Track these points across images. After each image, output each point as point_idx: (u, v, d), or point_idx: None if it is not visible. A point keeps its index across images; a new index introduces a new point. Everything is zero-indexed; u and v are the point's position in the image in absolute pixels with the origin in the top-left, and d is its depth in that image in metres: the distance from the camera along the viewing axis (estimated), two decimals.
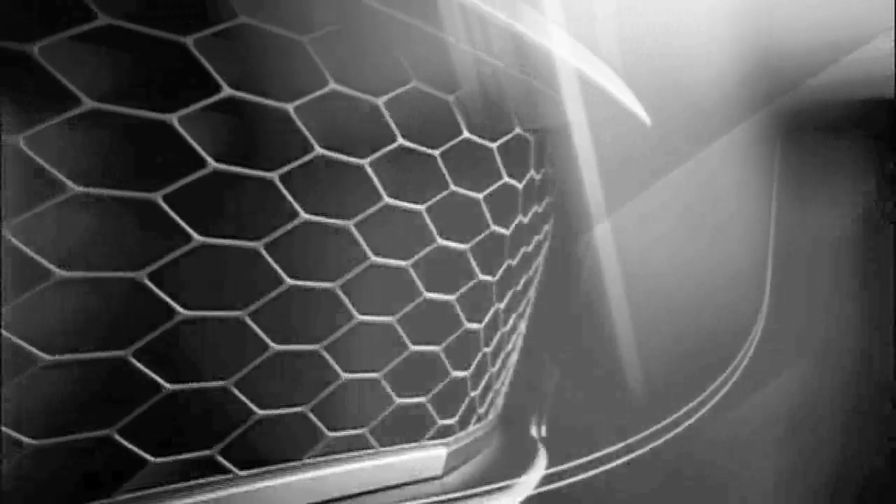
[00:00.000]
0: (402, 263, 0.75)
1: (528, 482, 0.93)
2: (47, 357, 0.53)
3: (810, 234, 1.30)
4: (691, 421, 1.19)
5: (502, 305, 0.92)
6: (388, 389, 0.77)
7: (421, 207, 0.76)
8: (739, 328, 1.27)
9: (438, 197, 0.77)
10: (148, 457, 0.59)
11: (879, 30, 1.20)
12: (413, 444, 0.82)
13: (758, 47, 1.19)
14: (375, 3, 0.66)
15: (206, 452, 0.63)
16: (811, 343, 1.30)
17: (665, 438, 1.16)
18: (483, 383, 0.92)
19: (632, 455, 1.12)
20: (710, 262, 1.22)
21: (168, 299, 0.58)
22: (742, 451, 1.24)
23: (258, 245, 0.63)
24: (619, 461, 1.10)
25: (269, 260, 0.63)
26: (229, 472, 0.65)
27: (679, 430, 1.17)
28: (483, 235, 0.84)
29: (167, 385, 0.59)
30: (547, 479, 0.97)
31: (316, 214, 0.66)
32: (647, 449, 1.14)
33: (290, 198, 0.64)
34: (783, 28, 1.21)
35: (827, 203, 1.31)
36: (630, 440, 1.13)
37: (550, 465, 1.01)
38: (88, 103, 0.53)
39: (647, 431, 1.15)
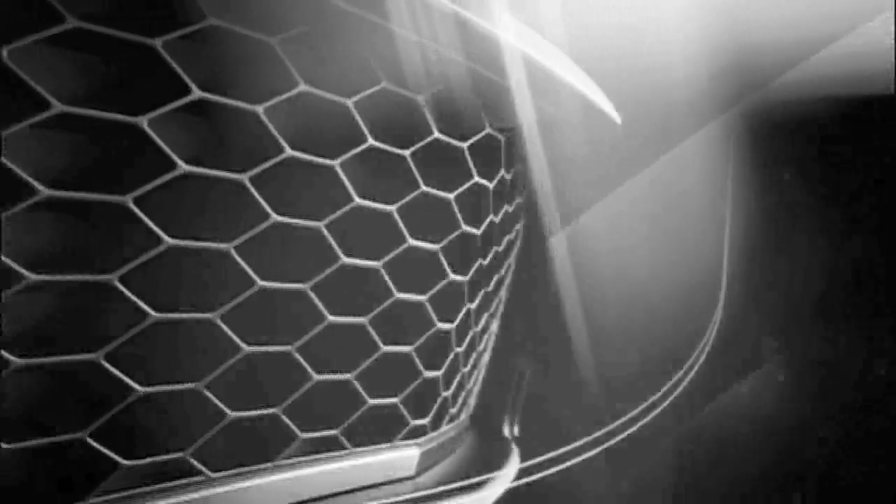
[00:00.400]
0: (374, 264, 0.75)
1: (501, 481, 0.94)
2: (18, 360, 0.53)
3: (765, 231, 1.33)
4: (655, 413, 1.20)
5: (474, 305, 0.92)
6: (361, 390, 0.77)
7: (391, 208, 0.76)
8: (698, 325, 1.29)
9: (409, 197, 0.78)
10: (120, 459, 0.59)
11: (845, 30, 1.22)
12: (386, 445, 0.82)
13: (724, 47, 1.21)
14: (344, 3, 0.66)
15: (179, 455, 0.63)
16: (765, 340, 1.32)
17: (621, 437, 1.17)
18: (455, 383, 0.92)
19: (597, 449, 1.13)
20: (672, 261, 1.24)
21: (139, 302, 0.58)
22: (700, 447, 1.26)
23: (229, 247, 0.63)
24: (584, 456, 1.11)
25: (240, 262, 0.63)
26: (202, 474, 0.65)
27: (642, 423, 1.19)
28: (454, 235, 0.85)
29: (138, 387, 0.59)
30: (517, 476, 0.98)
31: (287, 216, 0.66)
32: (609, 444, 1.15)
33: (260, 199, 0.64)
34: (750, 28, 1.22)
35: (783, 202, 1.33)
36: (591, 437, 1.14)
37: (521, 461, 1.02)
38: (58, 107, 0.52)
39: (609, 426, 1.16)
